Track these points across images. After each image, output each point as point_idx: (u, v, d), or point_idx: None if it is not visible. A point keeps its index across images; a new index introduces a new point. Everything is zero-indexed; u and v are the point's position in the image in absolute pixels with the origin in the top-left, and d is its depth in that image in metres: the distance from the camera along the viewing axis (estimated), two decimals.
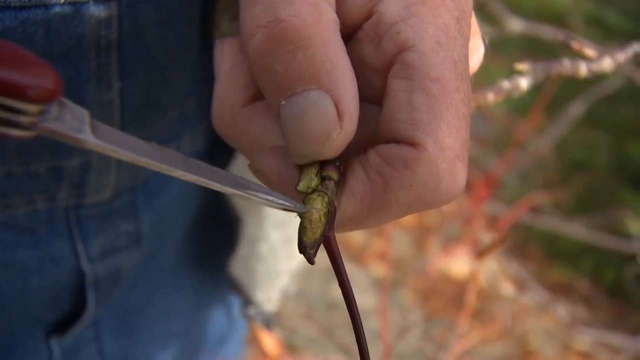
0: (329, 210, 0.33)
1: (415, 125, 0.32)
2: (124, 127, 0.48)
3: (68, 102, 0.29)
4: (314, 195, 0.34)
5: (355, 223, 0.35)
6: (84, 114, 0.29)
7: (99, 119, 0.45)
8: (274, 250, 0.65)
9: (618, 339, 2.14)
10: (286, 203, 0.34)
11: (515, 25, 2.12)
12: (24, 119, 0.27)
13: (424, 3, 0.33)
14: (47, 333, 0.55)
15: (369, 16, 0.34)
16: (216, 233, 0.63)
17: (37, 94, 0.27)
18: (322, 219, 0.33)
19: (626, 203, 2.63)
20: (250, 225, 0.61)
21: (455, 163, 0.33)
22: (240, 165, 0.56)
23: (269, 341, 0.73)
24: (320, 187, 0.34)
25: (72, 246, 0.51)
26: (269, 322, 0.72)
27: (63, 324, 0.55)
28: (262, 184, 0.35)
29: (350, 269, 2.33)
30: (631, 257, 2.34)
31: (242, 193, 0.33)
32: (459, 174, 0.33)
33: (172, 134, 0.52)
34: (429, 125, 0.32)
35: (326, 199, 0.34)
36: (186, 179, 0.32)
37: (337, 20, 0.33)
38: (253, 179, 0.57)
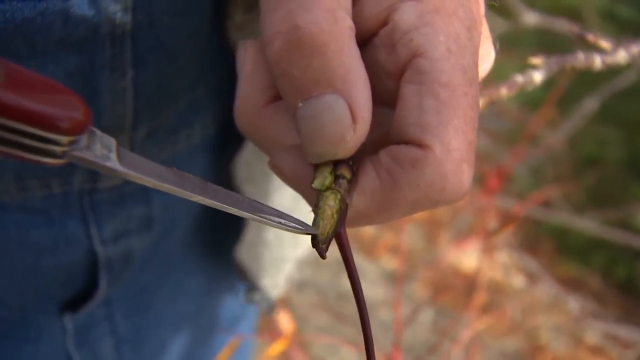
0: (341, 207, 0.35)
1: (424, 128, 0.34)
2: (137, 114, 0.49)
3: (97, 131, 0.32)
4: (327, 193, 0.35)
5: (366, 219, 0.36)
6: (112, 142, 0.32)
7: (113, 106, 0.47)
8: (281, 237, 0.66)
9: (628, 332, 2.14)
10: (298, 226, 0.36)
11: (530, 18, 2.12)
12: (57, 149, 0.30)
13: (437, 12, 0.35)
14: (60, 309, 0.56)
15: (384, 23, 0.36)
16: (226, 218, 0.64)
17: (69, 126, 0.29)
18: (335, 215, 0.35)
19: (638, 198, 2.62)
20: None
21: (461, 164, 0.34)
22: (248, 155, 0.57)
23: (284, 320, 0.74)
24: (333, 185, 0.36)
25: (86, 229, 0.52)
26: (273, 308, 0.72)
27: (76, 302, 0.56)
28: (276, 209, 0.36)
29: (361, 261, 2.34)
30: None
31: (257, 217, 0.35)
32: (465, 175, 0.35)
33: (183, 121, 0.53)
34: (436, 128, 0.34)
35: (339, 196, 0.35)
36: (204, 203, 0.34)
37: (353, 27, 0.35)
38: (260, 169, 0.58)
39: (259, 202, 0.36)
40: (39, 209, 0.50)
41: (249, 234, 0.63)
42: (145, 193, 0.54)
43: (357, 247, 2.37)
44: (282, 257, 0.68)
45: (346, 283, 2.26)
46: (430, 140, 0.34)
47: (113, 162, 0.31)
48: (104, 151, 0.31)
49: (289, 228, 0.36)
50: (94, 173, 0.50)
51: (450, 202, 0.35)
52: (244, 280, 0.67)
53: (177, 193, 0.33)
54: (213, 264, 0.67)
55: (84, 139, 0.31)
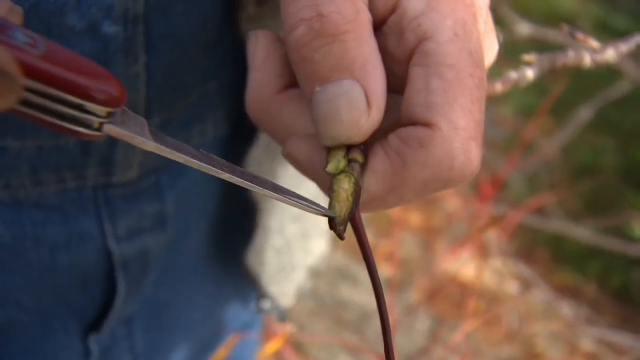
0: (355, 190, 0.37)
1: (430, 108, 0.35)
2: (149, 102, 0.50)
3: (129, 111, 0.34)
4: (342, 176, 0.37)
5: (379, 201, 0.38)
6: (144, 122, 0.34)
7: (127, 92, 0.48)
8: (290, 244, 0.66)
9: (623, 339, 2.15)
10: (318, 208, 0.37)
11: (524, 29, 2.13)
12: (94, 120, 0.32)
13: None
14: (84, 329, 0.56)
15: (393, 11, 0.37)
16: (237, 225, 0.64)
17: (105, 97, 0.32)
18: (350, 198, 0.37)
19: (633, 207, 2.64)
20: (267, 216, 0.62)
21: (469, 142, 0.35)
22: (259, 154, 0.58)
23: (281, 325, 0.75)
24: (347, 169, 0.37)
25: (100, 226, 0.53)
26: (284, 316, 0.72)
27: (98, 317, 0.56)
28: (296, 193, 0.38)
29: (359, 269, 2.34)
30: (638, 261, 2.35)
31: (280, 196, 0.37)
32: (473, 153, 0.36)
33: (195, 116, 0.54)
34: (443, 107, 0.35)
35: (353, 179, 0.37)
36: (232, 182, 0.35)
37: (371, 19, 0.36)
38: (270, 168, 0.58)
39: (282, 186, 0.37)
40: (53, 206, 0.51)
41: (257, 240, 0.63)
42: (158, 190, 0.55)
43: (356, 256, 2.38)
44: (291, 263, 0.68)
45: (344, 291, 2.27)
46: (437, 119, 0.35)
47: (147, 137, 0.33)
48: (137, 128, 0.33)
49: (309, 208, 0.37)
50: (108, 167, 0.51)
51: (460, 180, 0.36)
52: (253, 287, 0.67)
53: (208, 170, 0.35)
54: (225, 273, 0.67)
55: (118, 115, 0.33)
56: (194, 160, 0.34)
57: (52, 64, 0.30)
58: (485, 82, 0.37)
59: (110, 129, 0.33)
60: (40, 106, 0.31)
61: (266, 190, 0.36)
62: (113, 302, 0.56)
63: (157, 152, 0.34)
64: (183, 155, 0.34)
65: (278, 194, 0.36)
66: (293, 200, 0.37)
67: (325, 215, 0.37)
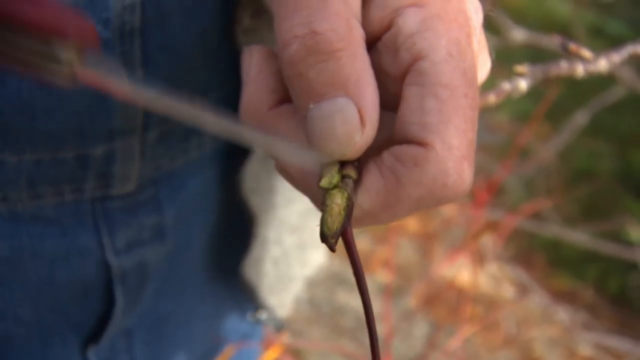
0: (348, 205, 0.37)
1: (425, 127, 0.35)
2: (147, 116, 0.50)
3: (103, 56, 0.31)
4: (335, 191, 0.37)
5: (371, 218, 0.38)
6: (119, 66, 0.32)
7: (123, 106, 0.48)
8: (288, 254, 0.66)
9: (621, 343, 2.15)
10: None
11: (518, 35, 2.15)
12: (65, 57, 0.30)
13: (439, 18, 0.36)
14: (83, 342, 0.56)
15: (388, 28, 0.37)
16: (236, 236, 0.64)
17: (74, 33, 0.29)
18: (342, 212, 0.36)
19: (629, 211, 2.65)
20: (264, 227, 0.63)
21: (462, 162, 0.36)
22: (255, 167, 0.58)
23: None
24: (340, 184, 0.37)
25: (98, 238, 0.53)
26: (281, 327, 0.73)
27: (96, 329, 0.56)
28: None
29: None
30: (635, 265, 2.35)
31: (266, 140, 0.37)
32: (465, 172, 0.36)
33: (194, 128, 0.54)
34: (437, 127, 0.35)
35: (346, 194, 0.37)
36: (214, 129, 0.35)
37: (364, 35, 0.36)
38: (266, 182, 0.59)
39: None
40: (51, 219, 0.51)
41: (255, 250, 0.63)
42: (157, 202, 0.55)
43: None
44: (288, 275, 0.68)
45: (341, 297, 2.27)
46: (431, 139, 0.35)
47: (124, 81, 0.31)
48: (113, 72, 0.31)
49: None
50: (106, 179, 0.51)
51: (452, 198, 0.36)
52: (250, 298, 0.67)
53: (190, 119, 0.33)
54: (225, 284, 0.67)
55: (92, 58, 0.30)
56: (179, 111, 0.33)
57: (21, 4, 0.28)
58: (477, 101, 0.37)
59: (85, 72, 0.30)
60: (6, 45, 0.29)
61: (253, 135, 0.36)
62: (112, 314, 0.56)
63: (131, 94, 0.32)
64: (160, 98, 0.32)
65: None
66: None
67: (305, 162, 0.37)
